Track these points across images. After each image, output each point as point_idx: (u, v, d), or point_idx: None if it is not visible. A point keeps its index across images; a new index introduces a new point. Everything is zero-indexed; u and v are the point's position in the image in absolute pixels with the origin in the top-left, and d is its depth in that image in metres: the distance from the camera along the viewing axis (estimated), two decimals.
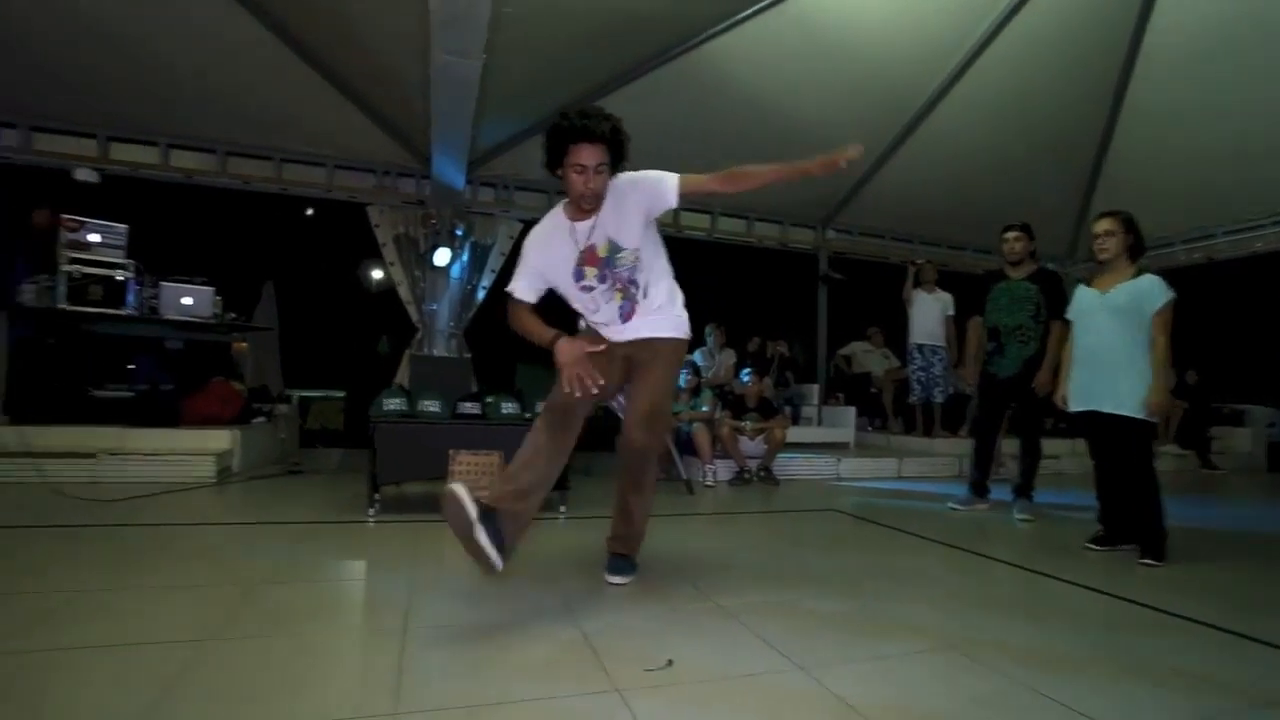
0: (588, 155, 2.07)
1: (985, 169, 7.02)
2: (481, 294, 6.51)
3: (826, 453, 5.92)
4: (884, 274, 8.17)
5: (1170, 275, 3.12)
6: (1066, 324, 3.46)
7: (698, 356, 6.41)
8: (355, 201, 6.27)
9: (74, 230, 4.21)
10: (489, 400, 3.64)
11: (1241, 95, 5.83)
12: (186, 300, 4.63)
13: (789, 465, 5.47)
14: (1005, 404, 4.13)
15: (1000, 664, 1.77)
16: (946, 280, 7.02)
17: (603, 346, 2.26)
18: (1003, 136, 6.71)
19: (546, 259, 2.26)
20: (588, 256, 2.22)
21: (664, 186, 2.14)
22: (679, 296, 2.38)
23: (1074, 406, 3.19)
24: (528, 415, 3.61)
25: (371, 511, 3.29)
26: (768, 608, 2.16)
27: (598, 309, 2.30)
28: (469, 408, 3.57)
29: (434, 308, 6.28)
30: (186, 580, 2.22)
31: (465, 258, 6.40)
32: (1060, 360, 3.40)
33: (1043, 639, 1.98)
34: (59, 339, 4.30)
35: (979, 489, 4.22)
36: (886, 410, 7.40)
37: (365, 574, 2.52)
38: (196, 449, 4.14)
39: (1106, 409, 3.01)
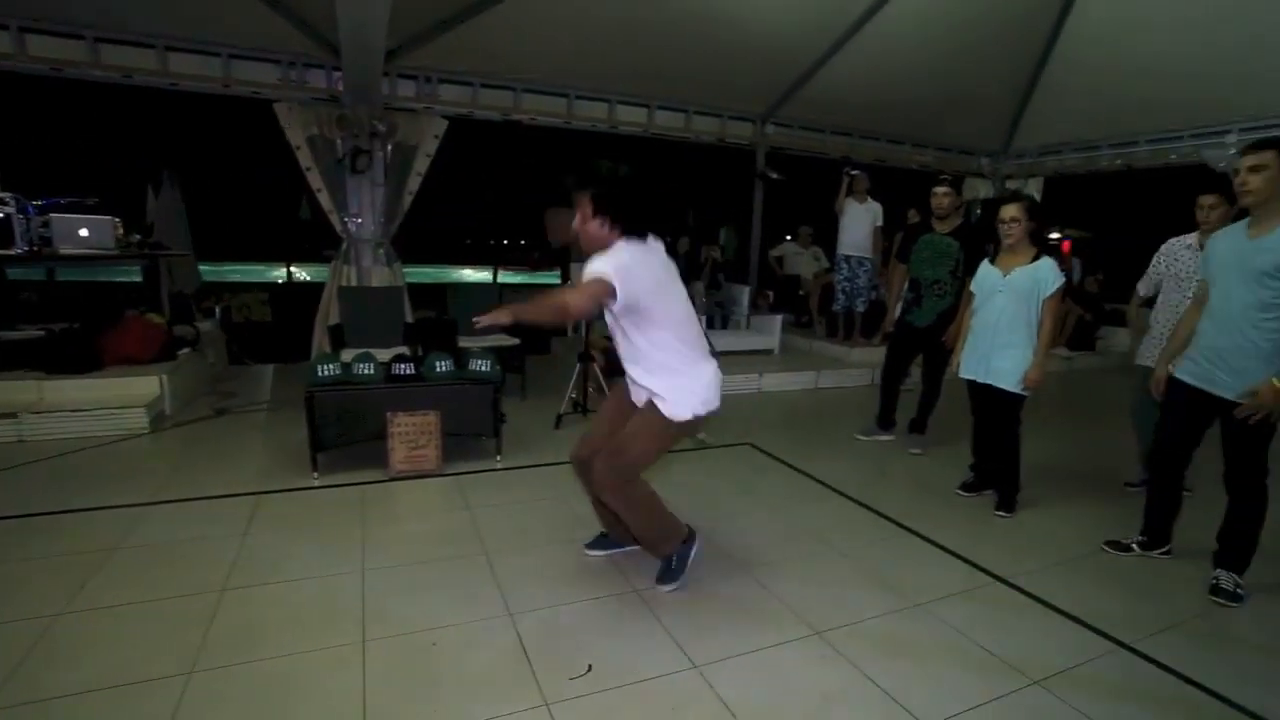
0: (578, 199, 2.29)
1: (927, 67, 6.87)
2: (408, 200, 6.24)
3: (750, 367, 6.28)
4: (819, 169, 8.18)
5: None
6: None
7: None
8: (259, 97, 5.70)
9: None
10: (425, 361, 3.71)
11: (1171, 14, 5.88)
12: (83, 232, 4.33)
13: None
14: (915, 351, 4.47)
15: (853, 652, 2.20)
16: (881, 180, 7.12)
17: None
18: (945, 35, 6.51)
19: None
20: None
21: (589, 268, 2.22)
22: (672, 376, 2.35)
23: (963, 374, 3.55)
24: (463, 374, 3.73)
25: (315, 475, 3.47)
26: (674, 593, 2.53)
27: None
28: (404, 369, 3.65)
29: (359, 218, 6.01)
30: (150, 593, 2.40)
31: (387, 160, 6.03)
32: (960, 329, 3.68)
33: (893, 618, 2.43)
34: None
35: (884, 422, 4.70)
36: (812, 312, 7.77)
37: (318, 568, 2.63)
38: (125, 398, 4.11)
39: (990, 381, 3.38)
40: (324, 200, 5.94)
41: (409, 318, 5.67)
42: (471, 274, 17.81)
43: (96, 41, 5.09)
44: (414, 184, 6.21)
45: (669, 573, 2.54)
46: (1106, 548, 3.04)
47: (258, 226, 13.86)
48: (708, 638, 2.25)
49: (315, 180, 5.87)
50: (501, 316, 2.12)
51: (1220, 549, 2.72)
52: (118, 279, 7.68)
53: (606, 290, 2.13)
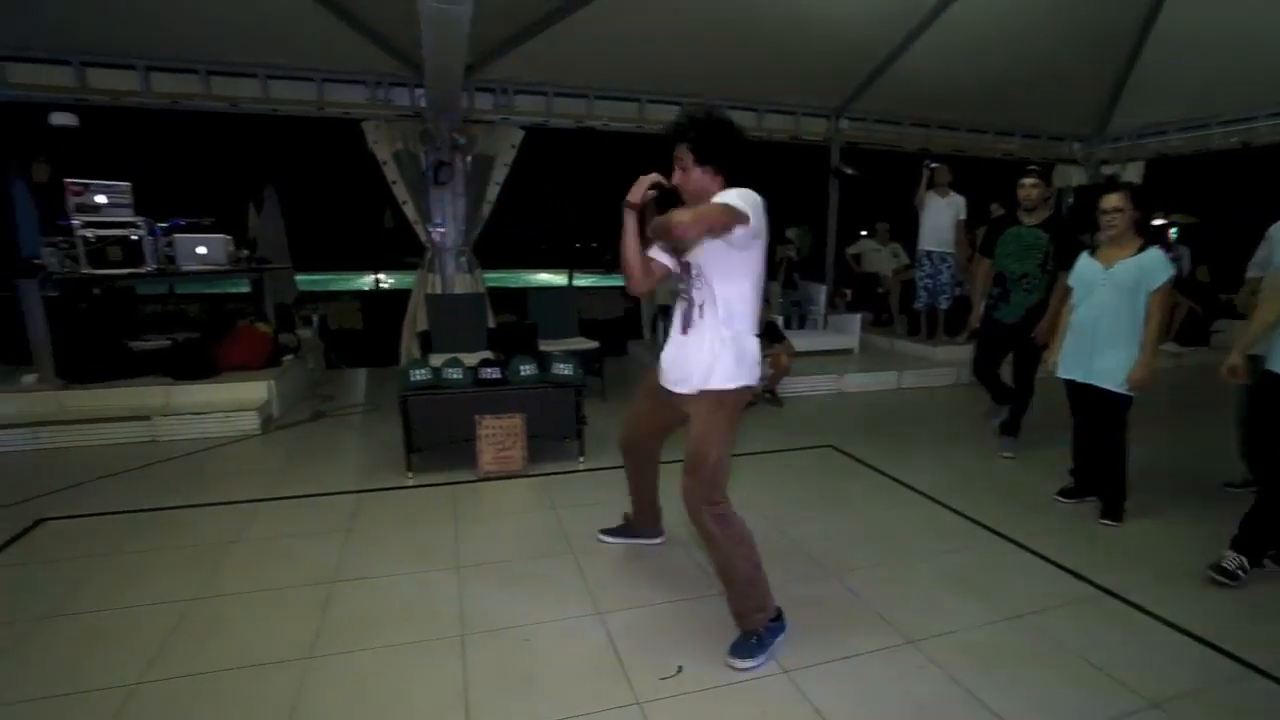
0: (677, 152, 2.16)
1: (1012, 49, 6.52)
2: (487, 209, 6.45)
3: (829, 367, 6.16)
4: (895, 163, 7.93)
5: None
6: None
7: None
8: (350, 118, 6.04)
9: (79, 194, 4.22)
10: (510, 364, 3.83)
11: None
12: (201, 250, 4.71)
13: (793, 381, 5.73)
14: (1005, 349, 4.28)
15: (950, 663, 2.14)
16: (961, 173, 6.84)
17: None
18: (1033, 14, 6.17)
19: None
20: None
21: (718, 201, 2.04)
22: (737, 337, 2.15)
23: (1062, 373, 3.37)
24: (546, 377, 3.84)
25: (410, 475, 3.66)
26: None
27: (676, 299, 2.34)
28: (490, 373, 3.79)
29: (442, 227, 6.26)
30: (269, 583, 2.60)
31: (468, 171, 6.25)
32: (1056, 320, 3.51)
33: (990, 629, 2.35)
34: (90, 301, 4.46)
35: (1000, 399, 4.52)
36: (892, 311, 7.54)
37: (417, 563, 2.78)
38: (239, 403, 4.45)
39: (1092, 381, 3.20)
40: (409, 211, 6.23)
41: (491, 322, 5.87)
42: (547, 277, 18.20)
43: (208, 75, 5.53)
44: (492, 193, 6.42)
45: (747, 648, 2.13)
46: (1214, 574, 2.65)
47: (345, 236, 14.66)
48: (797, 643, 2.23)
49: (401, 193, 6.17)
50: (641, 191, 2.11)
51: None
52: (226, 290, 8.31)
53: (735, 217, 1.96)
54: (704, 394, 2.17)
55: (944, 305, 6.65)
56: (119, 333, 4.91)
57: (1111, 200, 3.12)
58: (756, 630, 2.17)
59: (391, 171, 6.11)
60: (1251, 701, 2.00)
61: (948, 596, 2.57)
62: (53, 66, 5.15)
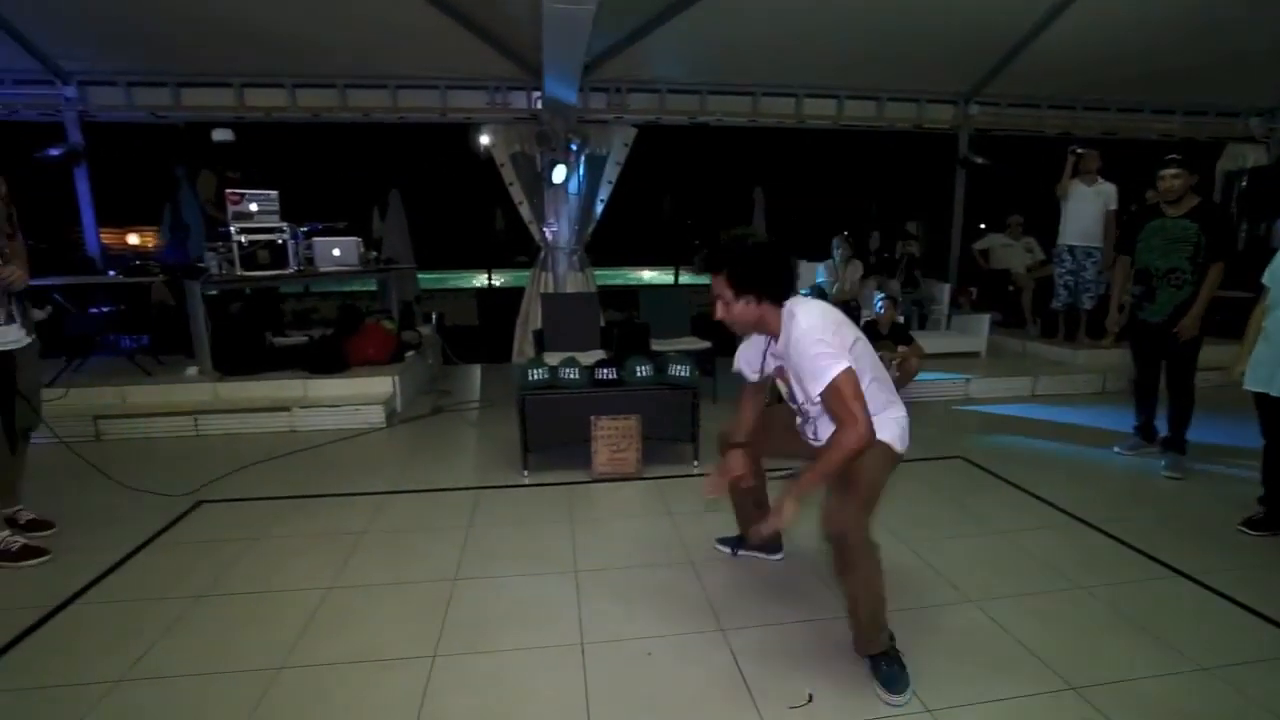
0: (714, 284, 2.09)
1: (1171, 17, 5.76)
2: (599, 207, 6.51)
3: (955, 369, 5.74)
4: (1033, 150, 7.30)
5: None
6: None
7: (820, 272, 6.21)
8: (470, 122, 6.26)
9: (237, 203, 4.61)
10: (625, 365, 3.80)
11: None
12: (336, 252, 5.03)
13: (916, 385, 5.38)
14: (1159, 350, 3.83)
15: (1118, 714, 1.87)
16: (1112, 156, 6.16)
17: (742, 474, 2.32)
18: None
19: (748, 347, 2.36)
20: (779, 372, 2.23)
21: (814, 370, 1.91)
22: (882, 412, 2.05)
23: (1249, 385, 2.94)
24: (663, 378, 3.78)
25: (525, 474, 3.72)
26: (898, 619, 2.33)
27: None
28: (606, 374, 3.78)
29: (555, 227, 6.37)
30: (396, 576, 2.70)
31: (581, 171, 6.33)
32: (1248, 329, 3.04)
33: (1170, 681, 2.04)
34: (243, 301, 4.88)
35: (1145, 432, 4.12)
36: (1025, 312, 6.94)
37: (536, 565, 2.80)
38: (367, 396, 4.71)
39: None
40: (524, 212, 6.39)
41: (602, 321, 5.91)
42: (652, 275, 18.24)
43: (345, 88, 5.90)
44: (605, 192, 6.47)
45: (890, 676, 1.96)
46: None
47: (461, 237, 15.35)
48: (940, 679, 2.04)
49: (517, 194, 6.34)
50: (789, 511, 1.93)
51: None
52: (354, 289, 8.88)
53: (849, 374, 1.88)
54: None
55: (1087, 305, 6.01)
56: (265, 329, 5.34)
57: None
58: (885, 650, 2.00)
59: (509, 173, 6.29)
60: None
61: (1113, 637, 2.27)
62: (217, 89, 5.69)
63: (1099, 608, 2.46)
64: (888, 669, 1.98)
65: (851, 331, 2.05)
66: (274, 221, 4.74)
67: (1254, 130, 7.59)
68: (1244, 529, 3.04)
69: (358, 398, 4.72)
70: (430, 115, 6.21)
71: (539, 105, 6.12)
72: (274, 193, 4.80)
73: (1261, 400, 2.95)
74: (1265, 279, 2.94)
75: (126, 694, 1.99)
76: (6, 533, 2.77)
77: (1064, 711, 1.92)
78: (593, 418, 3.64)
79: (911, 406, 2.25)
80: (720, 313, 2.08)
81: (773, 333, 2.11)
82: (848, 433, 1.86)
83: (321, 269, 5.01)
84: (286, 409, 4.56)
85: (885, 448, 2.04)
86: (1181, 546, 2.90)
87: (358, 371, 4.98)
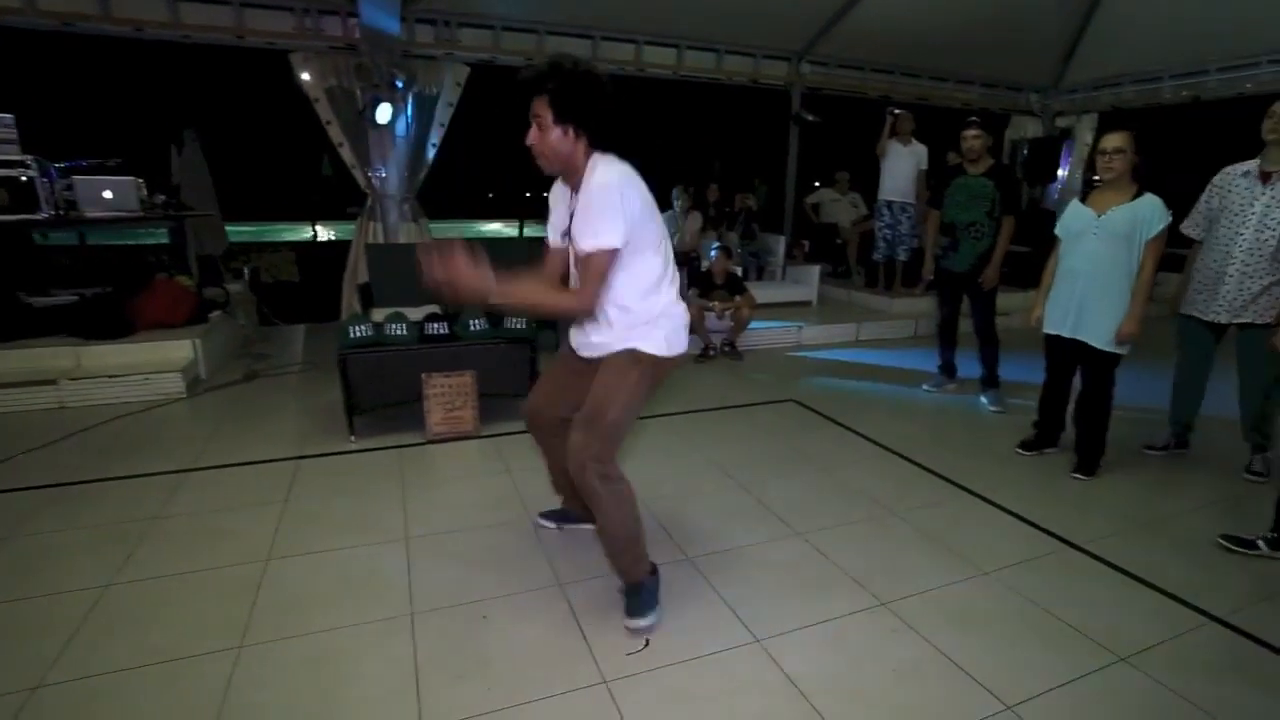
0: (535, 105, 1.84)
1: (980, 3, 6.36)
2: (431, 152, 6.03)
3: (789, 318, 6.08)
4: (857, 111, 7.76)
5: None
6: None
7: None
8: (274, 48, 5.49)
9: None
10: (458, 319, 3.58)
11: None
12: (107, 194, 4.23)
13: (751, 334, 5.63)
14: (959, 296, 4.29)
15: (924, 624, 2.08)
16: (925, 120, 6.72)
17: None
18: None
19: (554, 207, 2.11)
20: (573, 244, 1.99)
21: (592, 229, 1.80)
22: (645, 309, 1.98)
23: (1047, 329, 3.28)
24: (499, 332, 3.60)
25: (352, 439, 3.42)
26: (728, 559, 2.43)
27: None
28: (437, 329, 3.54)
29: (382, 172, 5.83)
30: (196, 563, 2.36)
31: (409, 112, 5.81)
32: (1043, 278, 3.37)
33: (961, 587, 2.31)
34: None
35: (947, 370, 4.60)
36: (850, 262, 7.48)
37: (362, 535, 2.59)
38: (160, 364, 4.08)
39: (1080, 336, 3.11)
40: (346, 155, 5.77)
41: None
42: (497, 228, 17.56)
43: None
44: (436, 135, 6.00)
45: (639, 605, 2.03)
46: (1225, 543, 2.58)
47: (281, 184, 13.75)
48: (768, 609, 2.15)
49: (336, 134, 5.69)
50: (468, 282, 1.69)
51: None
52: (147, 242, 7.64)
53: (614, 256, 1.82)
54: (622, 351, 1.99)
55: (902, 257, 6.60)
56: (15, 287, 4.41)
57: (1113, 140, 2.96)
58: (640, 581, 2.05)
59: (324, 110, 5.61)
60: (1217, 651, 2.01)
61: (918, 555, 2.52)
62: None
63: (907, 530, 2.71)
64: (632, 598, 2.04)
65: (648, 209, 1.90)
66: (12, 153, 3.87)
67: (1033, 105, 8.61)
68: (1020, 450, 3.50)
69: (147, 365, 4.07)
70: (225, 37, 5.34)
71: (357, 34, 5.48)
72: (9, 116, 3.90)
73: (1054, 341, 3.30)
74: (1058, 230, 3.26)
75: None
76: None
77: (876, 624, 2.10)
78: (424, 375, 3.40)
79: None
80: (533, 137, 1.87)
81: (577, 180, 1.92)
82: (567, 299, 1.92)
83: (88, 214, 4.18)
84: (52, 382, 3.84)
85: (640, 373, 1.98)
86: (974, 469, 3.28)
87: (148, 335, 4.29)
